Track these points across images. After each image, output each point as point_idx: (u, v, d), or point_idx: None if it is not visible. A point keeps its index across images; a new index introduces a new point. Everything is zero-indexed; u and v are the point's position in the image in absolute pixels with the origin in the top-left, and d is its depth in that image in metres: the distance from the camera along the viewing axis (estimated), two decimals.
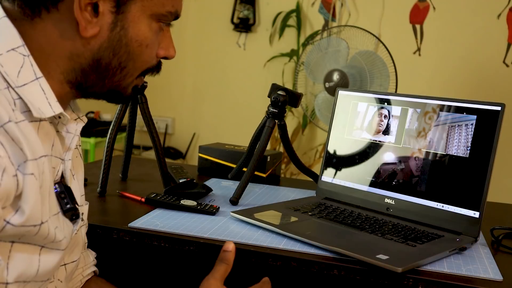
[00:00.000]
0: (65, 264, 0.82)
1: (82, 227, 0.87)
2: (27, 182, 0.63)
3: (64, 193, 0.75)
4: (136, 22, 0.73)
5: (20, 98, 0.67)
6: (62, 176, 0.77)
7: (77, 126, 0.80)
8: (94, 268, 0.97)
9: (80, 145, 0.89)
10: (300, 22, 2.73)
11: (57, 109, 0.71)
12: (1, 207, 0.61)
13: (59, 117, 0.73)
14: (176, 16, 0.78)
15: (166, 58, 0.80)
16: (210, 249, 0.95)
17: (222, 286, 0.79)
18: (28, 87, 0.68)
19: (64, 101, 0.76)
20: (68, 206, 0.75)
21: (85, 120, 0.82)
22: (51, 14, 0.70)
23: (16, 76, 0.67)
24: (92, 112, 2.88)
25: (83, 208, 0.87)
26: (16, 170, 0.62)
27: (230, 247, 0.82)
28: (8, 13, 0.70)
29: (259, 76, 2.84)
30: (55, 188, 0.73)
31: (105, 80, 0.75)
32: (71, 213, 0.76)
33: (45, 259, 0.70)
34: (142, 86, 1.24)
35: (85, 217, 0.88)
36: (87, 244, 0.95)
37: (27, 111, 0.67)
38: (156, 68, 0.81)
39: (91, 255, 0.97)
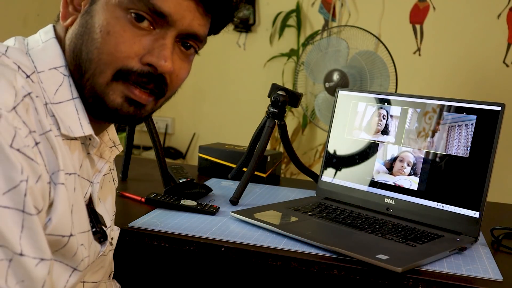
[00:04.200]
0: (84, 282, 0.81)
1: (110, 251, 0.87)
2: (58, 192, 0.65)
3: (90, 217, 0.76)
4: (103, 10, 0.70)
5: (53, 115, 0.69)
6: (90, 199, 0.78)
7: (111, 154, 0.82)
8: None
9: (114, 169, 0.91)
10: (300, 22, 2.73)
11: (88, 130, 0.72)
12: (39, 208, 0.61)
13: (90, 139, 0.74)
14: (154, 11, 0.69)
15: (154, 67, 0.71)
16: (210, 249, 0.95)
17: None
18: (63, 105, 0.70)
19: (101, 125, 0.78)
20: (94, 230, 0.76)
21: (121, 148, 0.84)
22: None
23: (54, 93, 0.70)
24: None
25: (113, 233, 0.87)
26: (50, 177, 0.64)
27: None
28: (57, 33, 0.74)
29: (259, 76, 2.84)
30: (85, 201, 0.75)
31: (83, 82, 0.71)
32: (98, 236, 0.77)
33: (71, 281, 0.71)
34: None
35: (114, 241, 0.88)
36: (113, 273, 0.94)
37: (59, 128, 0.69)
38: (141, 76, 0.70)
39: (115, 287, 0.96)
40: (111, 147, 0.83)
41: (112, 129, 0.84)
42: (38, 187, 0.61)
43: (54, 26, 0.76)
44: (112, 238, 0.85)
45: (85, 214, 0.73)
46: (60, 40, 0.74)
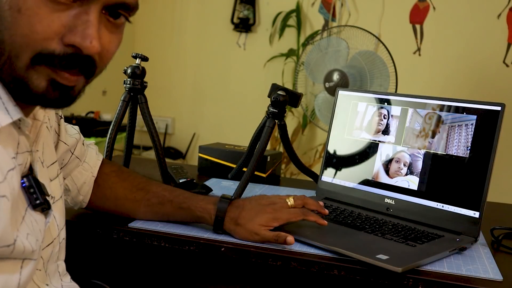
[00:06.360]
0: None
1: (58, 201, 0.81)
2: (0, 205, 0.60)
3: (33, 187, 0.69)
4: None
5: None
6: (31, 168, 0.72)
7: (45, 112, 0.75)
8: (99, 163, 1.03)
9: (61, 116, 0.86)
10: (300, 22, 2.73)
11: (16, 114, 0.64)
12: None
13: (19, 120, 0.66)
14: None
15: (78, 49, 0.61)
16: (210, 249, 0.95)
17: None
18: None
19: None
20: (38, 201, 0.70)
21: None
22: None
23: None
24: (92, 112, 2.87)
25: (54, 183, 0.81)
26: None
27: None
28: None
29: (259, 76, 2.84)
30: (23, 183, 0.68)
31: None
32: (42, 207, 0.71)
33: (24, 272, 0.67)
34: (142, 86, 1.25)
35: (57, 193, 0.81)
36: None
37: None
38: (64, 58, 0.61)
39: (93, 153, 1.03)
40: None
41: None
42: None
43: None
44: (54, 198, 0.78)
45: (23, 197, 0.68)
46: None
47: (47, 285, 0.78)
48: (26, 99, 0.64)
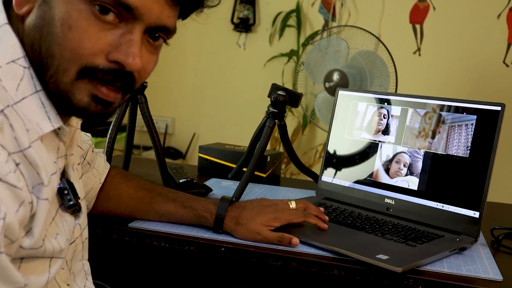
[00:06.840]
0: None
1: (81, 201, 0.83)
2: (41, 207, 0.63)
3: (67, 189, 0.73)
4: (63, 1, 0.64)
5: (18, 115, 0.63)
6: (64, 171, 0.76)
7: (77, 119, 0.79)
8: (107, 170, 1.05)
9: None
10: (300, 22, 2.73)
11: (56, 122, 0.68)
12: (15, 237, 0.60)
13: (59, 129, 0.70)
14: (120, 3, 0.64)
15: (121, 65, 0.66)
16: (210, 249, 0.95)
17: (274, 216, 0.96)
18: (27, 101, 0.65)
19: None
20: (71, 202, 0.74)
21: None
22: None
23: (15, 90, 0.64)
24: None
25: (80, 184, 0.84)
26: (31, 194, 0.62)
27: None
28: (11, 16, 0.67)
29: (259, 76, 2.84)
30: (58, 184, 0.72)
31: (45, 78, 0.67)
32: (73, 209, 0.75)
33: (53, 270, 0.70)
34: (142, 86, 1.25)
35: (81, 193, 0.84)
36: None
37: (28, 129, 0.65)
38: (107, 73, 0.66)
39: (102, 161, 1.04)
40: None
41: None
42: (20, 214, 0.59)
43: (3, 4, 0.67)
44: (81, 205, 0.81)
45: (55, 198, 0.71)
46: (13, 23, 0.67)
47: (68, 285, 0.79)
48: (67, 112, 0.70)
